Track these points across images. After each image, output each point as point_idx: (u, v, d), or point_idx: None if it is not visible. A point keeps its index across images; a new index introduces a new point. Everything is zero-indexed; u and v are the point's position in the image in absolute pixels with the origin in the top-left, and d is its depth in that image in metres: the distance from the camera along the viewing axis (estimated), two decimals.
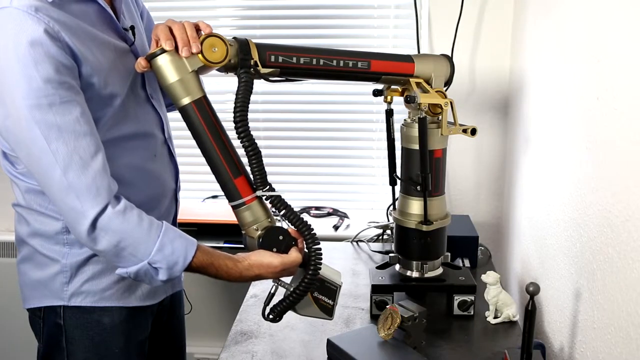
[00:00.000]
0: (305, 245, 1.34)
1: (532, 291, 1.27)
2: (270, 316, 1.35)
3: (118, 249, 1.21)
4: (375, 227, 2.26)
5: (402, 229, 1.64)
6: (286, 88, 2.43)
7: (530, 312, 1.29)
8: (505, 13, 2.15)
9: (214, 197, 2.53)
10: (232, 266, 1.30)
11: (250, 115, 2.51)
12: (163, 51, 1.23)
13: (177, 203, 1.54)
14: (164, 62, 1.24)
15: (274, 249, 1.31)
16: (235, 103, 1.27)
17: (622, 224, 1.13)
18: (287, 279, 1.37)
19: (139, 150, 1.36)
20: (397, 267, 1.70)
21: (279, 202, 1.31)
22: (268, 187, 1.31)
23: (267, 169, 2.49)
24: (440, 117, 1.56)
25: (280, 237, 1.31)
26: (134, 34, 1.35)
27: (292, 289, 1.32)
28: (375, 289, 1.64)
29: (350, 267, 1.99)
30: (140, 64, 1.27)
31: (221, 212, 2.38)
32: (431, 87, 1.54)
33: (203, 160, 2.49)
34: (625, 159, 1.12)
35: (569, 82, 1.47)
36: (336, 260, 2.04)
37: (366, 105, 2.43)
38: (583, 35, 1.38)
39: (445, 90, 1.57)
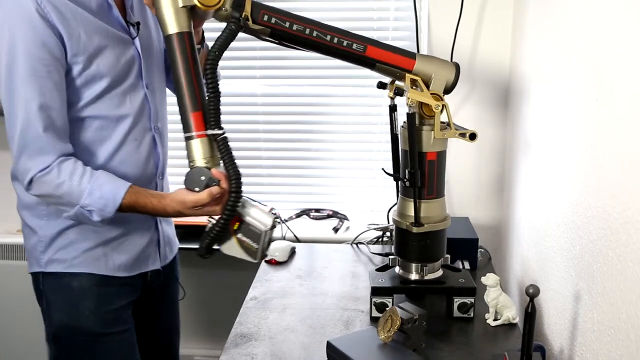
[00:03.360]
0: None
1: (531, 293, 1.27)
2: (198, 250, 1.42)
3: (54, 197, 1.42)
4: (375, 229, 2.25)
5: (401, 231, 1.64)
6: (286, 90, 2.44)
7: (530, 314, 1.29)
8: (505, 14, 2.15)
9: None
10: (156, 203, 1.45)
11: (250, 117, 2.55)
12: None
13: (160, 187, 1.64)
14: None
15: (196, 188, 1.38)
16: (212, 46, 1.36)
17: (622, 226, 1.13)
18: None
19: (120, 132, 1.50)
20: (397, 269, 1.70)
21: (222, 144, 1.38)
22: (218, 129, 1.38)
23: (267, 170, 2.53)
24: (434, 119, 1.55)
25: (202, 178, 1.37)
26: (138, 30, 1.51)
27: (213, 224, 1.39)
28: (375, 291, 1.64)
29: (350, 270, 1.99)
30: None
31: None
32: (428, 88, 1.53)
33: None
34: (625, 162, 1.12)
35: (569, 84, 1.47)
36: (336, 263, 2.04)
37: (366, 108, 2.43)
38: (582, 38, 1.38)
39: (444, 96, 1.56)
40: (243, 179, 2.50)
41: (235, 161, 1.38)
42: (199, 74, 1.38)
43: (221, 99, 2.40)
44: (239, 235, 1.40)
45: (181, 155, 1.44)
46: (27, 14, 1.33)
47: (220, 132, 1.38)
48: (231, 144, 2.45)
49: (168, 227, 1.73)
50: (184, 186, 1.41)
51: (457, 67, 1.56)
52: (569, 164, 1.45)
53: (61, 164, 1.41)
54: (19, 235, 2.57)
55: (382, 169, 1.68)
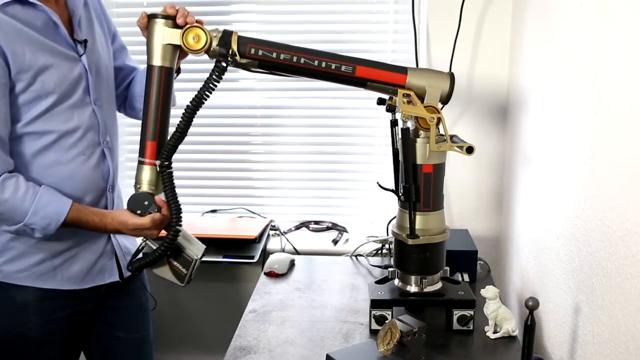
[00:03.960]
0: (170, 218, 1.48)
1: (531, 306, 1.27)
2: (130, 267, 1.52)
3: None
4: (374, 241, 2.25)
5: (400, 243, 1.64)
6: (286, 102, 2.45)
7: (530, 327, 1.29)
8: (503, 27, 2.16)
9: (213, 211, 2.53)
10: (97, 221, 1.52)
11: (248, 130, 2.55)
12: (163, 17, 1.44)
13: (110, 200, 1.67)
14: (156, 25, 1.45)
15: (138, 211, 1.47)
16: (201, 87, 1.43)
17: (621, 239, 1.13)
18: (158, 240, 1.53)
19: (68, 147, 1.54)
20: (396, 281, 1.70)
21: (166, 177, 1.46)
22: (167, 163, 1.46)
23: (266, 182, 2.54)
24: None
25: (145, 203, 1.47)
26: (85, 47, 1.55)
27: (153, 250, 1.50)
28: (375, 303, 1.64)
29: (349, 282, 1.99)
30: (143, 17, 1.46)
31: (220, 226, 2.38)
32: (422, 101, 1.53)
33: (202, 175, 2.52)
34: (623, 174, 1.13)
35: (567, 96, 1.47)
36: (335, 275, 2.04)
37: (366, 120, 2.44)
38: (580, 50, 1.39)
39: (442, 108, 1.56)
40: (242, 191, 2.54)
41: (177, 196, 1.47)
42: (166, 108, 1.47)
43: (218, 111, 2.44)
44: (171, 260, 1.52)
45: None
46: None
47: (166, 163, 1.45)
48: (231, 157, 2.49)
49: (125, 239, 1.73)
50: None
51: (452, 76, 1.55)
52: (567, 177, 1.46)
53: (4, 181, 1.44)
54: None
55: (377, 183, 1.68)
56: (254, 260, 2.20)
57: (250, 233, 2.30)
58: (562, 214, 1.49)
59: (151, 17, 1.44)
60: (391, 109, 1.54)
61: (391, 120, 1.62)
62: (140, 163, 1.48)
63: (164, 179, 1.46)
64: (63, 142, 1.53)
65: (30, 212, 1.45)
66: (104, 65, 1.65)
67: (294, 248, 2.33)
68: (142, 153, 1.47)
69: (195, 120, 1.47)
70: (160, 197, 1.48)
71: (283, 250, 2.31)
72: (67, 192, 1.53)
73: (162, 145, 1.47)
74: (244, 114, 2.48)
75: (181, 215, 1.48)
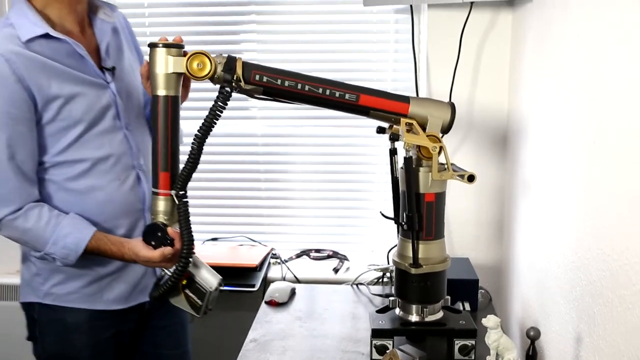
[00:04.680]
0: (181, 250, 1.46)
1: (532, 336, 1.27)
2: (150, 296, 1.52)
3: (22, 241, 1.54)
4: (375, 269, 2.25)
5: (401, 272, 1.63)
6: (287, 131, 2.46)
7: (532, 357, 1.28)
8: (503, 56, 2.18)
9: (214, 239, 2.53)
10: (115, 250, 1.54)
11: (250, 158, 2.56)
12: (164, 46, 1.42)
13: (148, 221, 1.63)
14: (158, 54, 1.43)
15: (152, 242, 1.47)
16: (207, 114, 1.41)
17: (621, 268, 1.13)
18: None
19: (102, 173, 1.57)
20: (397, 310, 1.69)
21: (181, 208, 1.44)
22: (182, 192, 1.44)
23: (267, 210, 2.54)
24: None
25: (159, 234, 1.46)
26: (113, 74, 1.58)
27: (164, 281, 1.50)
28: (376, 333, 1.63)
29: (350, 311, 1.98)
30: (144, 66, 1.51)
31: (220, 254, 2.38)
32: (424, 130, 1.54)
33: (203, 203, 2.51)
34: (623, 204, 1.13)
35: (566, 126, 1.48)
36: (336, 304, 2.03)
37: (366, 148, 2.45)
38: (578, 81, 1.40)
39: (442, 137, 1.57)
40: (243, 219, 2.54)
41: (191, 226, 1.45)
42: (175, 137, 1.46)
43: (219, 139, 2.45)
44: (187, 291, 1.51)
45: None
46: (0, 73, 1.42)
47: (182, 193, 1.43)
48: (232, 185, 2.50)
49: None
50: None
51: (453, 106, 1.57)
52: (567, 205, 1.46)
53: (28, 210, 1.49)
54: (18, 276, 2.58)
55: (380, 212, 1.68)
56: (255, 289, 2.19)
57: (251, 261, 2.30)
58: (562, 243, 1.49)
59: (152, 46, 1.44)
60: (394, 137, 1.55)
61: (390, 149, 1.63)
62: (155, 194, 1.47)
63: (179, 209, 1.44)
64: (97, 169, 1.56)
65: (50, 242, 1.50)
66: (135, 89, 1.67)
67: (295, 276, 2.33)
68: (155, 184, 1.47)
69: None
70: (174, 229, 1.47)
71: (284, 279, 2.31)
72: (105, 216, 1.57)
73: (175, 175, 1.46)
74: (245, 142, 2.50)
75: (193, 247, 1.45)
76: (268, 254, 2.42)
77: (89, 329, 1.63)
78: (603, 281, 1.22)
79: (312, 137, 2.48)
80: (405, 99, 1.55)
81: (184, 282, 1.49)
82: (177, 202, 1.43)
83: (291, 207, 2.55)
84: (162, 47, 1.42)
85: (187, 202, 1.44)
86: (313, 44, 2.42)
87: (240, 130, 2.48)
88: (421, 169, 1.56)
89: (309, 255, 2.49)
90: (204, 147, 1.44)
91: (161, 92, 1.44)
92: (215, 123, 1.43)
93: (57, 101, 1.48)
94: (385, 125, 1.64)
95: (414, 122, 1.53)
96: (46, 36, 1.47)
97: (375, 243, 2.49)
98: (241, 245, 2.50)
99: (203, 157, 1.44)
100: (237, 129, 2.47)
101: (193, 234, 1.45)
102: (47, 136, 1.50)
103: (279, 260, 2.42)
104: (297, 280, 2.31)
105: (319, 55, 2.41)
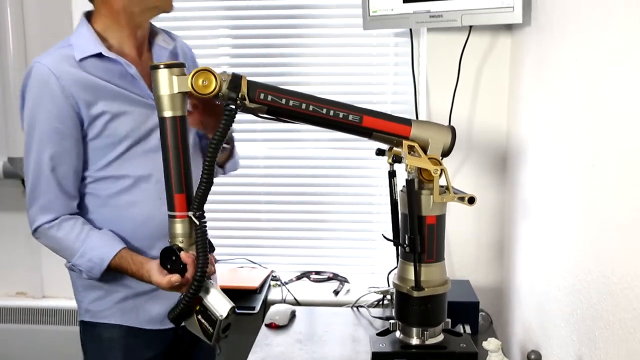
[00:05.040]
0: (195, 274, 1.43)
1: (534, 359, 1.26)
2: (169, 317, 1.48)
3: (55, 250, 1.59)
4: (375, 292, 2.24)
5: (401, 295, 1.63)
6: (287, 153, 2.47)
7: None
8: (502, 79, 2.19)
9: (215, 261, 2.53)
10: (135, 270, 1.54)
11: (250, 180, 2.56)
12: (166, 66, 1.40)
13: None
14: (161, 75, 1.40)
15: (168, 266, 1.45)
16: (214, 135, 1.39)
17: (622, 291, 1.13)
18: None
19: (143, 191, 1.59)
20: (398, 333, 1.68)
21: (199, 229, 1.41)
22: (199, 213, 1.41)
23: (267, 232, 2.54)
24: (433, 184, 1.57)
25: (173, 258, 1.44)
26: None
27: (176, 304, 1.46)
28: (376, 356, 1.62)
29: (351, 334, 1.97)
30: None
31: (221, 276, 2.37)
32: (426, 153, 1.55)
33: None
34: (622, 227, 1.13)
35: (565, 148, 1.49)
36: (336, 326, 2.02)
37: (366, 170, 2.46)
38: (576, 104, 1.41)
39: (442, 159, 1.57)
40: (243, 241, 2.54)
41: (207, 250, 1.41)
42: (187, 157, 1.44)
43: None
44: (199, 317, 1.47)
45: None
46: (48, 87, 1.49)
47: (199, 213, 1.41)
48: (233, 207, 2.50)
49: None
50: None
51: (453, 130, 1.58)
52: (567, 228, 1.46)
53: (63, 222, 1.55)
54: (19, 298, 2.58)
55: (383, 234, 1.68)
56: (255, 312, 2.18)
57: (251, 283, 2.29)
58: (562, 265, 1.49)
59: (153, 68, 1.42)
60: (397, 159, 1.54)
61: (389, 172, 1.64)
62: (171, 217, 1.44)
63: (198, 230, 1.41)
64: (139, 187, 1.59)
65: (78, 254, 1.54)
66: (192, 137, 1.66)
67: (295, 299, 2.32)
68: (171, 207, 1.44)
69: None
70: (190, 252, 1.43)
71: (284, 301, 2.30)
72: (142, 235, 1.60)
73: (190, 196, 1.44)
74: (245, 164, 2.50)
75: (206, 271, 1.41)
76: (268, 276, 2.41)
77: (124, 346, 1.65)
78: (604, 304, 1.22)
79: (312, 159, 2.48)
80: (407, 122, 1.56)
81: (198, 307, 1.45)
82: (196, 222, 1.40)
83: (291, 228, 2.55)
84: (164, 67, 1.41)
85: (205, 222, 1.42)
86: (314, 66, 2.43)
87: (242, 152, 2.48)
88: (423, 191, 1.56)
89: (309, 277, 2.49)
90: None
91: (168, 113, 1.42)
92: (222, 141, 1.41)
93: (103, 118, 1.52)
94: (385, 147, 1.65)
95: (416, 145, 1.54)
96: (99, 56, 1.52)
97: (376, 265, 2.48)
98: (241, 267, 2.50)
99: None
100: (238, 151, 2.47)
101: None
102: (93, 151, 1.55)
103: (279, 282, 2.42)
104: (297, 303, 2.30)
105: (320, 78, 2.43)
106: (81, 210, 1.61)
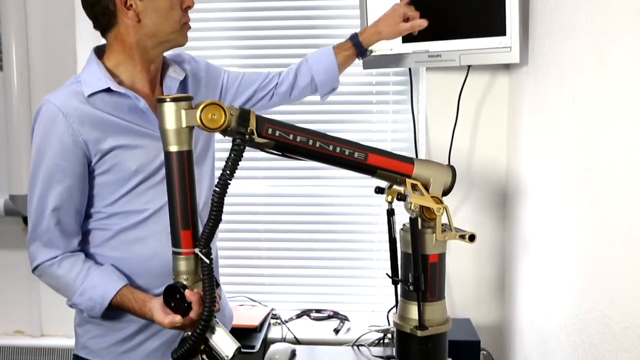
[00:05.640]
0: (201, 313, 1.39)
1: None
2: (173, 357, 1.43)
3: (56, 289, 1.58)
4: (376, 330, 2.23)
5: (402, 334, 1.62)
6: (287, 190, 2.48)
7: None
8: (500, 117, 2.21)
9: (220, 298, 2.51)
10: (137, 309, 1.52)
11: (250, 217, 2.55)
12: (172, 100, 1.35)
13: None
14: (167, 109, 1.36)
15: (172, 304, 1.42)
16: (223, 169, 1.36)
17: (623, 331, 1.12)
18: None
19: (152, 225, 1.58)
20: None
21: (205, 268, 1.37)
22: (206, 250, 1.37)
23: (267, 270, 2.53)
24: (435, 222, 1.57)
25: (177, 296, 1.40)
26: None
27: (181, 343, 1.42)
28: None
29: None
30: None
31: None
32: (428, 191, 1.56)
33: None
34: (622, 265, 1.13)
35: (564, 187, 1.50)
36: None
37: (366, 208, 2.46)
38: (574, 143, 1.42)
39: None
40: (243, 279, 2.53)
41: (214, 288, 1.38)
42: (193, 191, 1.41)
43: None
44: (204, 357, 1.43)
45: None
46: (55, 126, 1.49)
47: (206, 250, 1.37)
48: (232, 244, 2.50)
49: None
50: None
51: (453, 169, 1.59)
52: (567, 267, 1.46)
53: (63, 259, 1.54)
54: (17, 337, 2.56)
55: (387, 273, 1.68)
56: (255, 351, 2.16)
57: (251, 322, 2.28)
58: (563, 304, 1.48)
59: (160, 102, 1.37)
60: (402, 197, 1.55)
61: (388, 210, 1.65)
62: (176, 254, 1.40)
63: (204, 267, 1.37)
64: (149, 222, 1.58)
65: (78, 292, 1.52)
66: (202, 141, 1.67)
67: (295, 337, 2.30)
68: (176, 244, 1.40)
69: None
70: (195, 289, 1.40)
71: (284, 340, 2.28)
72: (149, 270, 1.57)
73: (196, 232, 1.40)
74: (246, 202, 2.51)
75: (213, 309, 1.38)
76: (268, 314, 2.40)
77: None
78: (605, 344, 1.21)
79: (312, 196, 2.49)
80: (410, 160, 1.57)
81: (203, 347, 1.41)
82: (204, 259, 1.36)
83: (291, 266, 2.54)
84: (171, 101, 1.36)
85: (212, 259, 1.39)
86: (314, 104, 2.45)
87: (241, 189, 2.49)
88: (424, 229, 1.57)
89: (309, 316, 2.47)
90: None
91: (174, 148, 1.37)
92: (232, 177, 1.38)
93: (112, 153, 1.52)
94: (384, 185, 1.66)
95: (419, 183, 1.55)
96: (108, 90, 1.51)
97: (376, 303, 2.47)
98: (241, 305, 2.48)
99: None
100: (238, 189, 2.49)
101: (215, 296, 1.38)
102: (102, 187, 1.55)
103: (279, 321, 2.40)
104: (297, 341, 2.28)
105: (320, 116, 2.45)
106: (86, 245, 1.59)
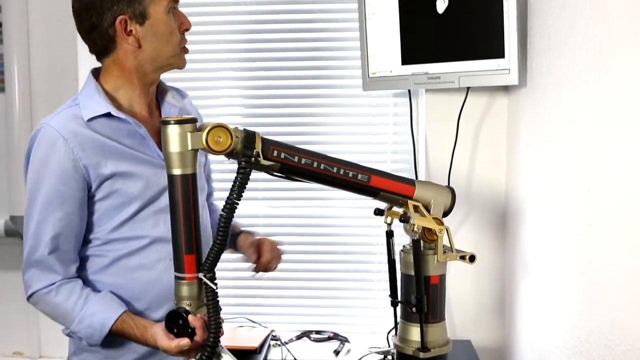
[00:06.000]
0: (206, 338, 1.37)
1: None
2: None
3: (53, 317, 1.54)
4: (376, 352, 2.22)
5: (403, 356, 1.61)
6: (287, 211, 2.48)
7: None
8: (499, 138, 2.22)
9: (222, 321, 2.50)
10: (139, 335, 1.48)
11: None
12: (176, 122, 1.33)
13: None
14: (172, 132, 1.33)
15: (174, 330, 1.39)
16: (230, 193, 1.35)
17: (624, 354, 1.12)
18: None
19: (152, 252, 1.55)
20: None
21: (209, 293, 1.35)
22: (210, 275, 1.36)
23: (267, 291, 2.52)
24: (436, 243, 1.58)
25: (180, 322, 1.38)
26: None
27: None
28: None
29: None
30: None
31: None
32: (429, 212, 1.56)
33: None
34: (622, 288, 1.13)
35: (563, 208, 1.50)
36: None
37: (365, 229, 2.46)
38: (573, 164, 1.43)
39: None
40: (243, 300, 2.52)
41: (219, 313, 1.36)
42: (197, 215, 1.39)
43: None
44: None
45: None
46: (55, 150, 1.46)
47: (210, 275, 1.36)
48: (232, 265, 2.49)
49: None
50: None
51: (453, 191, 1.60)
52: (567, 288, 1.46)
53: (61, 286, 1.50)
54: (15, 358, 2.55)
55: (390, 296, 1.67)
56: None
57: (251, 343, 2.27)
58: (563, 326, 1.48)
59: (164, 124, 1.34)
60: (405, 219, 1.55)
61: (387, 232, 1.65)
62: (179, 279, 1.38)
63: (208, 293, 1.35)
64: (150, 248, 1.54)
65: (77, 320, 1.48)
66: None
67: (295, 359, 2.29)
68: (179, 269, 1.37)
69: None
70: (199, 315, 1.38)
71: None
72: (148, 297, 1.54)
73: (200, 256, 1.38)
74: (245, 223, 2.50)
75: (219, 337, 1.36)
76: (268, 335, 2.39)
77: None
78: None
79: (311, 218, 2.49)
80: (411, 182, 1.58)
81: None
82: (209, 284, 1.34)
83: (291, 287, 2.53)
84: (175, 124, 1.33)
85: (216, 284, 1.36)
86: (315, 126, 2.47)
87: (241, 210, 2.48)
88: (426, 251, 1.57)
89: (309, 337, 2.46)
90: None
91: (177, 171, 1.35)
92: (239, 201, 1.36)
93: (112, 179, 1.49)
94: (383, 206, 1.66)
95: (420, 205, 1.55)
96: (108, 115, 1.49)
97: (376, 324, 2.46)
98: (241, 326, 2.47)
99: None
100: (238, 210, 2.48)
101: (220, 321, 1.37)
102: (102, 213, 1.52)
103: (279, 342, 2.39)
104: None
105: (320, 137, 2.46)
106: (84, 271, 1.56)
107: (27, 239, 1.51)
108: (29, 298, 1.53)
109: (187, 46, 1.59)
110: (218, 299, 1.36)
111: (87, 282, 1.55)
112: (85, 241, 1.55)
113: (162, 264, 1.55)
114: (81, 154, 1.46)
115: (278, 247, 1.80)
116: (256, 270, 1.79)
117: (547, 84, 1.68)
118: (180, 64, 1.59)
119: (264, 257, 1.77)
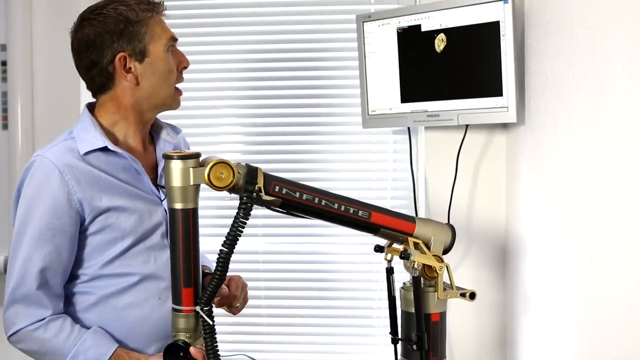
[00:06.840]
0: None
1: None
2: None
3: (40, 354, 1.48)
4: None
5: None
6: (286, 248, 2.48)
7: None
8: (499, 175, 2.23)
9: None
10: None
11: (250, 275, 2.54)
12: (179, 158, 1.33)
13: None
14: (175, 166, 1.33)
15: None
16: (231, 228, 1.34)
17: None
18: None
19: (143, 290, 1.53)
20: None
21: (207, 324, 1.34)
22: (208, 308, 1.35)
23: (267, 328, 2.50)
24: (436, 280, 1.57)
25: (181, 354, 1.37)
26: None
27: None
28: None
29: None
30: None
31: None
32: (429, 250, 1.56)
33: None
34: (623, 326, 1.13)
35: (563, 246, 1.50)
36: None
37: (365, 265, 2.46)
38: (572, 202, 1.44)
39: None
40: (243, 337, 2.50)
41: (216, 346, 1.35)
42: (197, 250, 1.39)
43: None
44: None
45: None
46: (49, 182, 1.44)
47: (208, 309, 1.35)
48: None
49: None
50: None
51: (453, 229, 1.60)
52: (568, 325, 1.46)
53: (50, 322, 1.46)
54: None
55: (390, 333, 1.67)
56: None
57: None
58: None
59: (167, 158, 1.35)
60: (405, 256, 1.55)
61: (387, 269, 1.65)
62: (177, 311, 1.38)
63: (205, 325, 1.35)
64: (140, 286, 1.52)
65: (70, 356, 1.44)
66: None
67: None
68: (177, 301, 1.38)
69: None
70: (196, 349, 1.37)
71: None
72: (137, 335, 1.52)
73: (197, 289, 1.38)
74: (246, 259, 2.51)
75: None
76: None
77: None
78: None
79: (311, 254, 2.49)
80: (411, 219, 1.58)
81: None
82: (206, 318, 1.34)
83: (291, 324, 2.51)
84: (178, 159, 1.33)
85: (212, 317, 1.36)
86: (314, 163, 2.48)
87: (241, 247, 2.48)
88: (426, 288, 1.57)
89: None
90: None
91: (179, 205, 1.35)
92: (240, 236, 1.36)
93: (106, 214, 1.48)
94: (383, 243, 1.67)
95: (420, 242, 1.55)
96: (104, 149, 1.49)
97: None
98: None
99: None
100: (238, 246, 2.48)
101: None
102: (93, 247, 1.50)
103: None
104: None
105: (320, 174, 2.47)
106: (69, 308, 1.52)
107: (12, 273, 1.47)
108: (10, 337, 1.48)
109: (188, 83, 1.62)
110: (215, 334, 1.35)
111: (74, 320, 1.51)
112: (72, 277, 1.52)
113: (151, 302, 1.54)
114: (76, 187, 1.45)
115: (244, 287, 1.77)
116: (219, 304, 1.72)
117: (545, 121, 1.70)
118: (174, 105, 1.61)
119: (233, 290, 1.73)
